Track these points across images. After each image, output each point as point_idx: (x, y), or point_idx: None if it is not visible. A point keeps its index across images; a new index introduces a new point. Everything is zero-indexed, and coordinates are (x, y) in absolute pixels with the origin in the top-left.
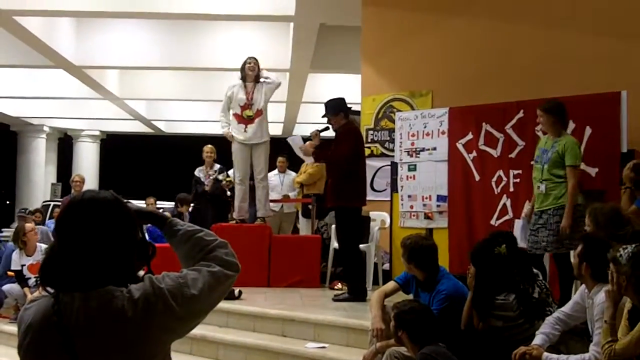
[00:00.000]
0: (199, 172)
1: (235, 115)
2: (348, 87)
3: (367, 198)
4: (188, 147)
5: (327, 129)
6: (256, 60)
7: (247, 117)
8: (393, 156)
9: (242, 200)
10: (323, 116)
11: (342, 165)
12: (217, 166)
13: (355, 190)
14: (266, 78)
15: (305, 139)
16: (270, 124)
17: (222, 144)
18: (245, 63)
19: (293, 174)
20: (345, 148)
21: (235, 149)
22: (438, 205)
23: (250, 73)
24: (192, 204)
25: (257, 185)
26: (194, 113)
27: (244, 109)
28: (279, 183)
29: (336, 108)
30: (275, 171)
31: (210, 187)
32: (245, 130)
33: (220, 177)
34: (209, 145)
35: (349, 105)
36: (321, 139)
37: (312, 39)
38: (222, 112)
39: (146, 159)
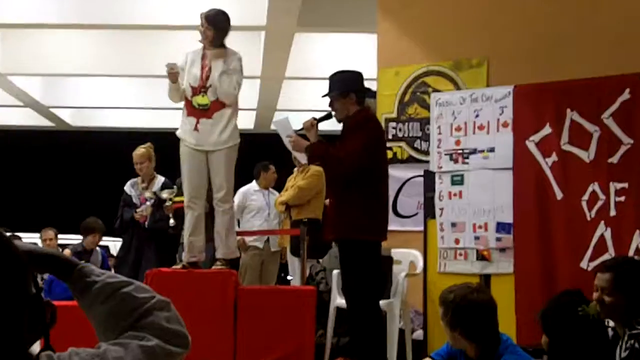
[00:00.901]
0: (130, 188)
1: (185, 101)
2: (356, 54)
3: (389, 227)
4: (111, 149)
5: (329, 116)
6: (205, 17)
7: (200, 106)
8: (427, 162)
9: (194, 232)
10: (324, 95)
11: (349, 174)
12: (160, 179)
13: (370, 215)
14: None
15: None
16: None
17: (168, 142)
18: None
19: (277, 193)
20: (354, 148)
21: (183, 154)
22: (498, 239)
23: (202, 37)
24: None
25: (217, 209)
26: (118, 96)
27: (195, 92)
28: (264, 204)
29: (344, 86)
30: (255, 185)
31: (147, 216)
32: (195, 128)
33: (165, 194)
34: (142, 148)
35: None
36: (321, 136)
37: None
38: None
39: (43, 169)
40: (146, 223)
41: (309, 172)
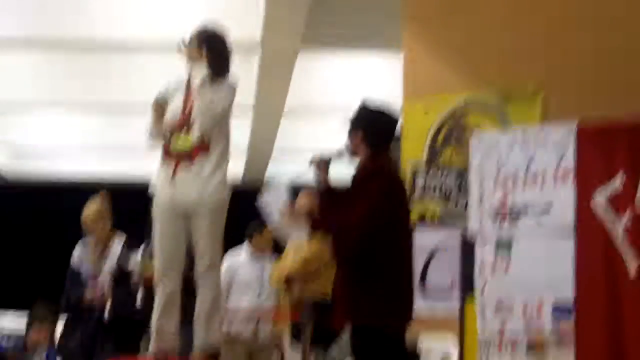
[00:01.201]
0: (79, 258)
1: (164, 142)
2: (376, 80)
3: (415, 308)
4: (56, 204)
5: (340, 154)
6: (197, 36)
7: (179, 150)
8: (466, 223)
9: (164, 313)
10: (344, 124)
11: (357, 250)
12: (119, 242)
13: (388, 294)
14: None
15: (295, 191)
16: None
17: (133, 194)
18: None
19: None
20: (360, 214)
21: (155, 213)
22: (556, 325)
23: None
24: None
25: (198, 284)
26: (68, 135)
27: (174, 130)
28: (253, 277)
29: (357, 118)
30: (245, 252)
31: (105, 301)
32: (172, 178)
33: (132, 262)
34: (92, 204)
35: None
36: (331, 189)
37: None
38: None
39: None
40: (105, 313)
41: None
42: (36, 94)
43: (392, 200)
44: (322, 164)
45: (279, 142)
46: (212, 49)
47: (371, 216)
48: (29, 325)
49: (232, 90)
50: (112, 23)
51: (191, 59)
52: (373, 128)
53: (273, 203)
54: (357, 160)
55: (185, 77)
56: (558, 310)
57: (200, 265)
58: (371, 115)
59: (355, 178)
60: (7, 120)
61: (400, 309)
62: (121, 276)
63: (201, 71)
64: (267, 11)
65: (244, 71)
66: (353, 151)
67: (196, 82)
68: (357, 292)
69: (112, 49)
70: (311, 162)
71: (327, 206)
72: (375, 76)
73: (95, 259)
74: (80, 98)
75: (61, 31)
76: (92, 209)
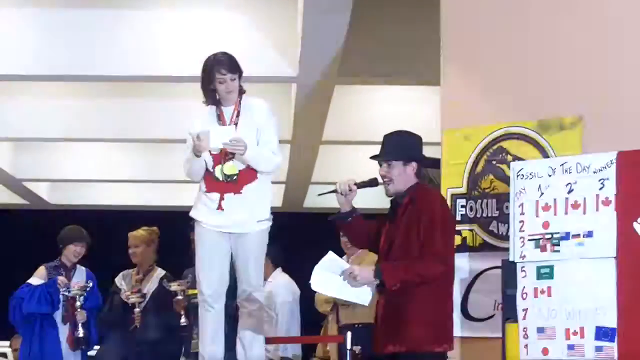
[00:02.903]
0: (121, 281)
1: (205, 173)
2: (415, 111)
3: (457, 334)
4: (98, 232)
5: (373, 183)
6: (228, 67)
7: (227, 177)
8: (507, 249)
9: (215, 339)
10: (373, 157)
11: (442, 280)
12: (159, 273)
13: (438, 319)
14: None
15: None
16: None
17: (171, 224)
18: (209, 68)
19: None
20: (442, 244)
21: (202, 238)
22: (599, 349)
23: (226, 94)
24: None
25: (242, 309)
26: (109, 166)
27: (217, 160)
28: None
29: (407, 151)
30: None
31: (137, 324)
32: (219, 207)
33: (174, 286)
34: (142, 230)
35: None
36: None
37: (344, 14)
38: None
39: (14, 257)
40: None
41: (365, 262)
42: (76, 128)
43: (454, 226)
44: (350, 190)
45: (316, 173)
46: (241, 73)
47: (452, 244)
48: (64, 243)
49: (269, 113)
50: (153, 60)
51: (228, 89)
52: (422, 157)
53: (328, 273)
54: (392, 190)
55: (211, 108)
56: (601, 334)
57: (246, 289)
58: (416, 146)
59: (407, 203)
60: (50, 153)
61: (446, 332)
62: (156, 304)
63: (252, 103)
64: (303, 46)
65: (281, 104)
66: (399, 186)
67: (230, 108)
68: (407, 317)
69: (146, 82)
70: (339, 187)
71: (396, 268)
72: (411, 109)
73: (135, 283)
74: (117, 131)
75: (104, 68)
76: (139, 231)
